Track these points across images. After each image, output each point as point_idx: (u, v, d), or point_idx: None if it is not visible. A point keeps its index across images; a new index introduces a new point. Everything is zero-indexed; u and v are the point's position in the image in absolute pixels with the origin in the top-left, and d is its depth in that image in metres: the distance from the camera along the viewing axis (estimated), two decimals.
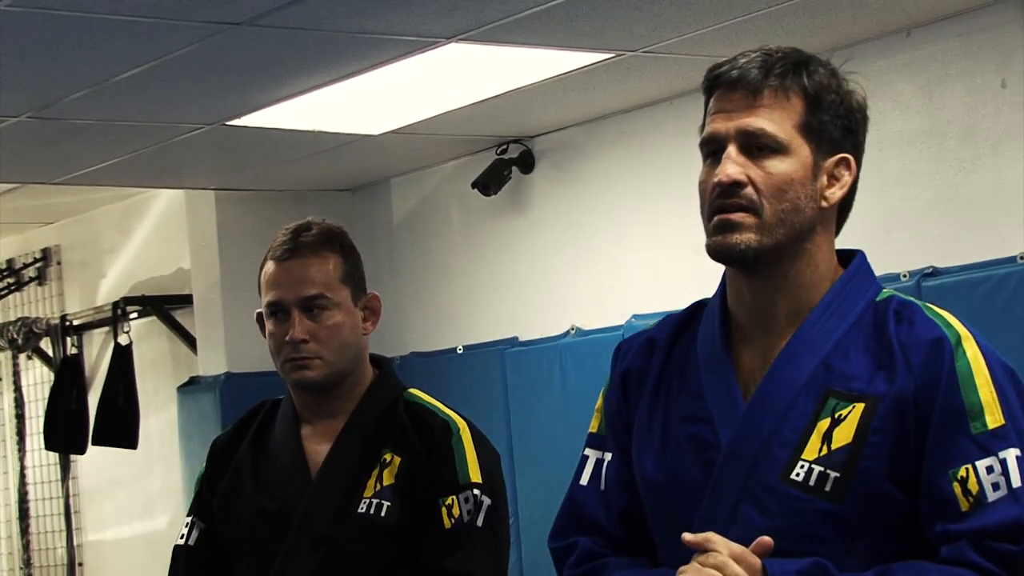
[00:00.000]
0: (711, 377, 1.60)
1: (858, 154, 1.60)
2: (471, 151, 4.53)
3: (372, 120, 4.06)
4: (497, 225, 4.54)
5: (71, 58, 3.23)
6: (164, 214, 5.32)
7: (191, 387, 4.98)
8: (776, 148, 1.54)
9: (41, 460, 5.82)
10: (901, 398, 1.52)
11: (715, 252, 1.56)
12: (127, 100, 3.62)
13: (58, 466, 5.73)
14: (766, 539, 1.48)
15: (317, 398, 2.19)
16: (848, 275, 1.60)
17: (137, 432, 5.02)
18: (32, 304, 5.88)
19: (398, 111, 3.98)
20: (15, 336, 5.62)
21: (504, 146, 4.41)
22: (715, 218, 1.55)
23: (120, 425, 5.01)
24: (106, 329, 5.38)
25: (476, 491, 2.11)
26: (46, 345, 5.68)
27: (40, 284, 5.85)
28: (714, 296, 1.66)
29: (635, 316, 3.94)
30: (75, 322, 5.53)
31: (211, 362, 4.94)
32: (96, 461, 5.44)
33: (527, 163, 4.41)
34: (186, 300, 5.10)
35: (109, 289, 5.54)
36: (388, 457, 2.14)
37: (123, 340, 5.08)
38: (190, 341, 5.11)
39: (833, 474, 1.51)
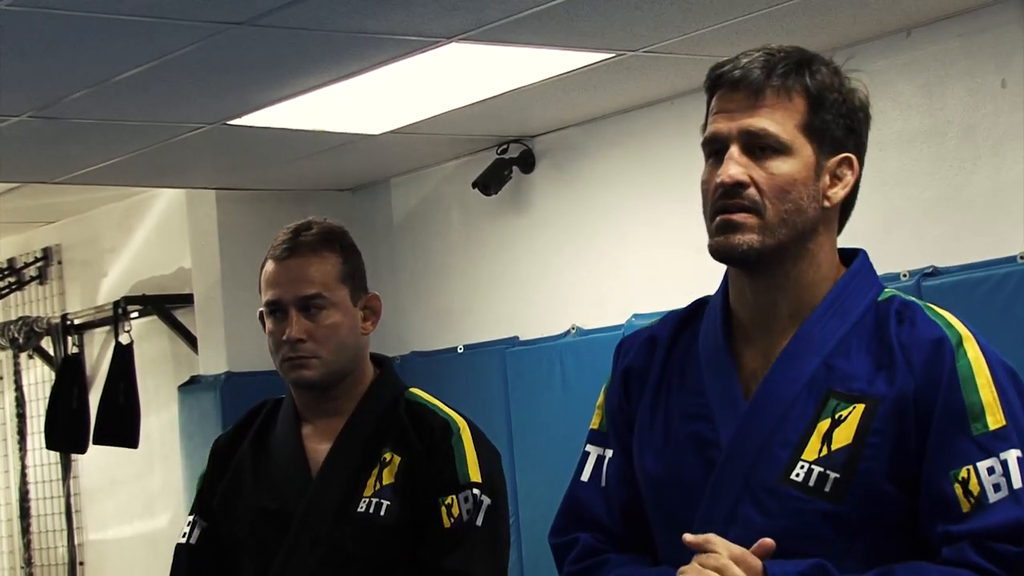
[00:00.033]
0: (712, 375, 1.60)
1: (860, 153, 1.59)
2: (471, 151, 4.53)
3: (373, 120, 4.07)
4: (497, 225, 4.54)
5: (72, 58, 3.24)
6: (165, 214, 5.33)
7: (192, 386, 4.98)
8: (778, 148, 1.54)
9: (42, 459, 5.82)
10: (901, 399, 1.52)
11: (717, 252, 1.56)
12: (128, 100, 3.62)
13: (59, 465, 5.73)
14: (768, 541, 1.48)
15: (317, 397, 2.20)
16: (850, 275, 1.60)
17: (138, 431, 5.03)
18: (33, 303, 5.88)
19: (399, 111, 3.98)
20: (16, 335, 5.62)
21: (504, 146, 4.41)
22: (717, 218, 1.55)
23: (121, 424, 5.01)
24: (107, 328, 5.39)
25: (476, 490, 2.11)
26: (47, 344, 5.68)
27: (41, 283, 5.85)
28: (716, 294, 1.66)
29: (635, 316, 3.94)
30: (76, 321, 5.54)
31: (212, 361, 4.95)
32: (97, 460, 5.44)
33: (527, 163, 4.42)
34: (187, 299, 5.10)
35: (110, 288, 5.54)
36: (388, 456, 2.14)
37: (124, 339, 5.08)
38: (191, 340, 5.11)
39: (833, 475, 1.51)
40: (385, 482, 2.13)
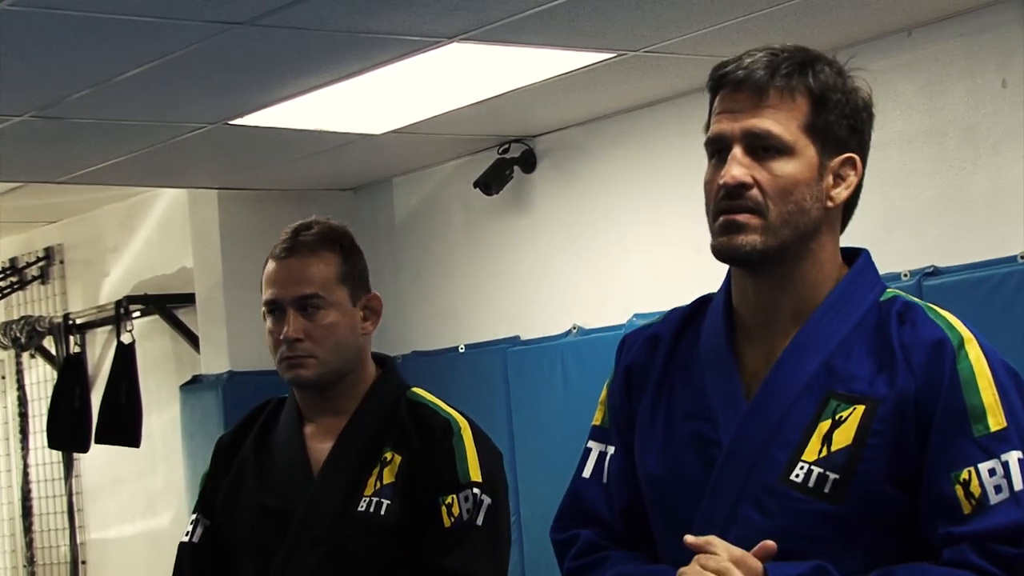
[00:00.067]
0: (714, 375, 1.61)
1: (864, 153, 1.60)
2: (473, 151, 4.53)
3: (374, 120, 4.07)
4: (499, 224, 4.55)
5: (74, 57, 3.24)
6: (167, 213, 5.34)
7: (194, 386, 4.99)
8: (781, 149, 1.54)
9: (44, 458, 5.83)
10: (901, 400, 1.53)
11: (720, 253, 1.56)
12: (130, 99, 3.62)
13: (61, 464, 5.74)
14: (770, 543, 1.49)
15: (318, 396, 2.20)
16: (852, 275, 1.60)
17: (140, 430, 5.03)
18: (35, 303, 5.89)
19: (400, 111, 3.98)
20: (18, 335, 5.63)
21: (506, 146, 4.42)
22: (720, 219, 1.55)
23: (123, 423, 5.02)
24: (109, 328, 5.39)
25: (476, 490, 2.11)
26: (49, 344, 5.68)
27: (43, 283, 5.86)
28: (719, 292, 1.66)
29: (636, 315, 3.95)
30: (78, 321, 5.54)
31: (214, 361, 4.95)
32: (99, 459, 5.45)
33: (529, 163, 4.42)
34: (189, 299, 5.11)
35: (112, 288, 5.55)
36: (389, 456, 2.15)
37: (126, 339, 5.08)
38: (193, 340, 5.12)
39: (832, 476, 1.51)
40: (385, 481, 2.13)
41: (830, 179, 1.57)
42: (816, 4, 3.23)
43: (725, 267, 1.63)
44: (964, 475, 1.50)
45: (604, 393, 1.72)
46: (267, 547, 2.16)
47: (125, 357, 5.07)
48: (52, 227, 5.85)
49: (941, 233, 3.47)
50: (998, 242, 3.34)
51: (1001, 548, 1.48)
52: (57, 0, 2.84)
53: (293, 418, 2.23)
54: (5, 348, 5.81)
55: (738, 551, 1.48)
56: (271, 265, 2.18)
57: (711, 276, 1.71)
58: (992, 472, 1.49)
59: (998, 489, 1.49)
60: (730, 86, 1.56)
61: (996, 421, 1.51)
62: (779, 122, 1.54)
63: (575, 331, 4.26)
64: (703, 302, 1.68)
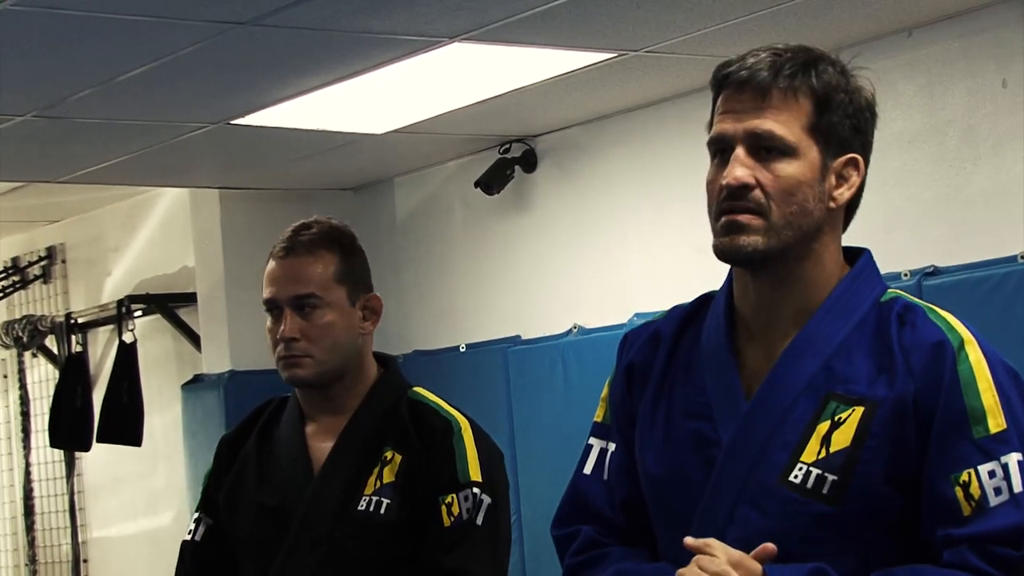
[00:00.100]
0: (714, 374, 1.61)
1: (866, 153, 1.60)
2: (474, 150, 4.54)
3: (375, 119, 4.08)
4: (500, 224, 4.55)
5: (76, 57, 3.25)
6: (168, 213, 5.34)
7: (195, 385, 4.99)
8: (784, 150, 1.54)
9: (46, 457, 5.84)
10: (900, 401, 1.53)
11: (722, 253, 1.56)
12: (132, 99, 3.63)
13: (63, 463, 5.74)
14: (770, 546, 1.49)
15: (319, 396, 2.21)
16: (853, 275, 1.60)
17: (141, 429, 5.04)
18: (37, 302, 5.89)
19: (401, 110, 3.99)
20: (20, 334, 5.64)
21: (507, 145, 4.42)
22: (722, 219, 1.55)
23: (124, 422, 5.02)
24: (111, 327, 5.40)
25: (476, 489, 2.11)
26: (51, 343, 5.69)
27: (45, 282, 5.87)
28: (720, 290, 1.66)
29: (637, 315, 3.95)
30: (80, 320, 5.55)
31: (215, 360, 4.96)
32: (101, 458, 5.45)
33: (530, 162, 4.43)
34: (190, 298, 5.12)
35: (114, 287, 5.55)
36: (389, 455, 2.15)
37: (128, 338, 5.09)
38: (194, 339, 5.13)
39: (831, 477, 1.52)
40: (385, 481, 2.13)
41: (833, 180, 1.57)
42: (816, 4, 3.23)
43: (726, 267, 1.63)
44: (964, 477, 1.50)
45: (606, 390, 1.72)
46: (267, 546, 2.17)
47: (127, 356, 5.07)
48: (54, 226, 5.86)
49: (941, 233, 3.48)
50: (998, 242, 3.34)
51: (1001, 550, 1.48)
52: (59, 0, 2.85)
53: (295, 417, 2.23)
54: (7, 347, 5.82)
55: (737, 553, 1.48)
56: (270, 264, 2.19)
57: (712, 276, 1.71)
58: (992, 474, 1.49)
59: (998, 491, 1.49)
60: (733, 86, 1.56)
61: (996, 423, 1.51)
62: (782, 123, 1.54)
63: (576, 331, 4.27)
64: (705, 299, 1.68)
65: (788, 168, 1.54)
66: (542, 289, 4.43)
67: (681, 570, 1.50)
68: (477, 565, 2.11)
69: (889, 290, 1.62)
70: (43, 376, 5.87)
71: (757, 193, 1.54)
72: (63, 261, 5.83)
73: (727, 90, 1.57)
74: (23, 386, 5.94)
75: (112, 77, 3.42)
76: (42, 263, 5.87)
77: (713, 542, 1.49)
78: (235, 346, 4.86)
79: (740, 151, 1.54)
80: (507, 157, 4.41)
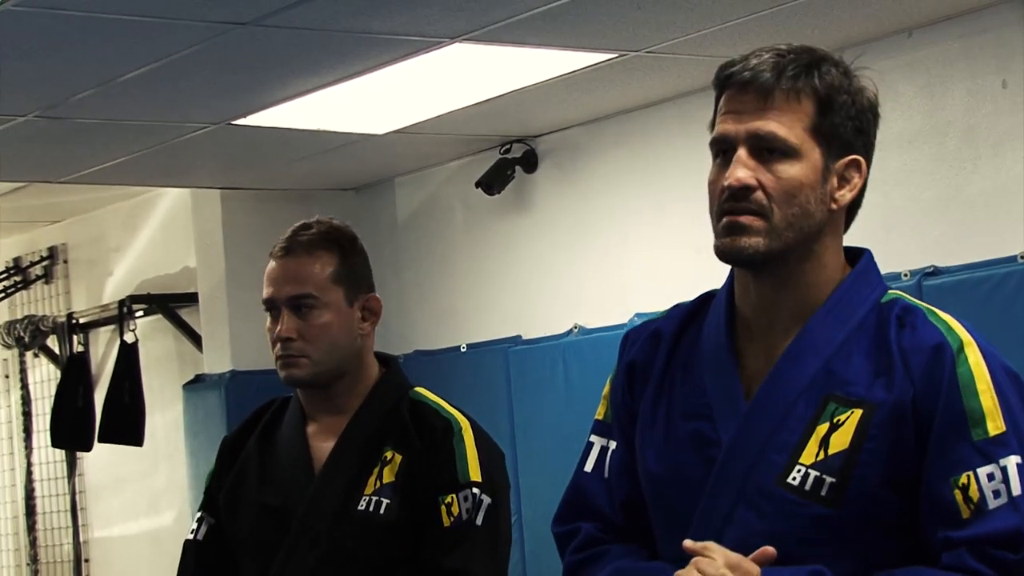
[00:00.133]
0: (714, 374, 1.61)
1: (868, 154, 1.59)
2: (475, 151, 4.54)
3: (376, 120, 4.08)
4: (500, 224, 4.56)
5: (77, 58, 3.25)
6: (170, 213, 5.35)
7: (197, 385, 5.00)
8: (786, 152, 1.54)
9: (48, 457, 5.84)
10: (899, 404, 1.53)
11: (724, 254, 1.56)
12: (133, 99, 3.64)
13: (64, 463, 5.75)
14: (769, 549, 1.50)
15: (320, 395, 2.21)
16: (854, 276, 1.60)
17: (143, 429, 5.04)
18: (39, 302, 5.90)
19: (402, 111, 3.99)
20: (22, 334, 5.64)
21: (507, 146, 4.43)
22: (724, 219, 1.55)
23: (126, 422, 5.03)
24: (112, 327, 5.41)
25: (476, 490, 2.12)
26: (52, 343, 5.70)
27: (47, 282, 5.87)
28: (722, 290, 1.66)
29: (637, 315, 3.96)
30: (81, 320, 5.55)
31: (216, 360, 4.97)
32: (102, 458, 5.46)
33: (530, 163, 4.43)
34: (192, 298, 5.12)
35: (115, 287, 5.56)
36: (389, 455, 2.15)
37: (129, 338, 5.10)
38: (196, 339, 5.13)
39: (829, 479, 1.52)
40: (385, 480, 2.14)
41: (834, 181, 1.57)
42: (817, 5, 3.24)
43: (726, 267, 1.63)
44: (963, 480, 1.50)
45: (607, 388, 1.72)
46: (267, 546, 2.17)
47: (128, 356, 5.08)
48: (56, 227, 5.87)
49: (941, 233, 3.48)
50: (998, 242, 3.34)
51: (999, 553, 1.48)
52: (61, 0, 2.85)
53: (296, 417, 2.24)
54: (9, 347, 5.82)
55: (735, 556, 1.49)
56: (270, 264, 2.20)
57: (712, 276, 1.71)
58: (991, 477, 1.49)
59: (997, 494, 1.49)
60: (736, 86, 1.56)
61: (995, 425, 1.51)
62: (784, 124, 1.54)
63: (576, 331, 4.27)
64: (706, 299, 1.68)
65: (790, 170, 1.54)
66: (543, 289, 4.44)
67: (679, 572, 1.50)
68: (477, 565, 2.11)
69: (889, 291, 1.61)
70: (45, 376, 5.87)
71: (759, 194, 1.54)
72: (65, 261, 5.84)
73: (730, 90, 1.57)
74: (25, 386, 5.95)
75: (113, 77, 3.43)
76: (44, 263, 5.88)
77: (711, 545, 1.50)
78: (236, 346, 4.87)
79: (742, 152, 1.54)
80: (508, 157, 4.41)
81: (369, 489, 2.14)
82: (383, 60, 3.44)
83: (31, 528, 5.92)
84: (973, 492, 1.49)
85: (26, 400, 5.94)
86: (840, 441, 1.53)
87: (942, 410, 1.52)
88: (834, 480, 1.52)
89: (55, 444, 5.38)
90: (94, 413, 5.16)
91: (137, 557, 5.53)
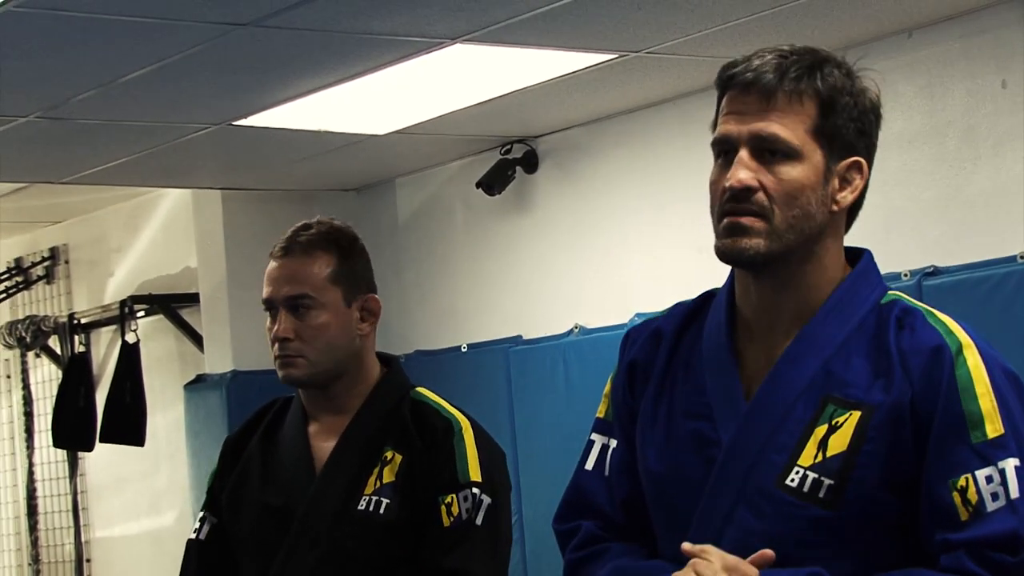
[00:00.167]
0: (714, 374, 1.61)
1: (870, 155, 1.59)
2: (475, 151, 4.55)
3: (377, 120, 4.09)
4: (501, 224, 4.57)
5: (78, 58, 3.26)
6: (171, 213, 5.36)
7: (198, 385, 5.01)
8: (788, 154, 1.54)
9: (49, 457, 5.85)
10: (897, 406, 1.53)
11: (724, 255, 1.57)
12: (134, 100, 3.64)
13: (66, 463, 5.76)
14: (768, 552, 1.50)
15: (321, 395, 2.22)
16: (853, 277, 1.60)
17: (144, 430, 5.05)
18: (40, 303, 5.91)
19: (403, 111, 4.00)
20: (23, 334, 5.65)
21: (508, 146, 4.43)
22: (725, 220, 1.55)
23: (127, 423, 5.04)
24: (114, 327, 5.41)
25: (476, 490, 2.12)
26: (54, 343, 5.71)
27: (48, 283, 5.88)
28: (722, 289, 1.66)
29: (638, 315, 3.96)
30: (83, 320, 5.56)
31: (218, 360, 4.97)
32: (104, 458, 5.47)
33: (531, 163, 4.44)
34: (193, 299, 5.13)
35: (116, 288, 5.57)
36: (389, 455, 2.16)
37: (130, 338, 5.10)
38: (197, 339, 5.14)
39: (827, 481, 1.52)
40: (385, 480, 2.14)
41: (836, 183, 1.57)
42: (817, 5, 3.24)
43: (727, 267, 1.63)
44: (961, 482, 1.50)
45: (608, 386, 1.72)
46: (268, 545, 2.18)
47: (129, 356, 5.09)
48: (57, 227, 5.87)
49: (941, 233, 3.48)
50: (998, 242, 3.35)
51: (997, 556, 1.48)
52: (62, 1, 2.86)
53: (298, 417, 2.24)
54: (10, 348, 5.83)
55: (732, 559, 1.49)
56: (269, 264, 2.21)
57: (713, 276, 1.71)
58: (989, 479, 1.50)
59: (995, 496, 1.49)
60: (739, 87, 1.56)
61: (994, 428, 1.51)
62: (787, 126, 1.54)
63: (577, 331, 4.28)
64: (707, 297, 1.69)
65: (792, 171, 1.54)
66: (543, 289, 4.44)
67: (676, 574, 1.50)
68: (476, 565, 2.11)
69: (889, 292, 1.62)
70: (46, 376, 5.88)
71: (760, 196, 1.54)
72: (66, 262, 5.85)
73: (732, 91, 1.57)
74: (26, 386, 5.96)
75: (115, 78, 3.43)
76: (45, 264, 5.88)
77: (709, 548, 1.50)
78: (237, 346, 4.88)
79: (744, 153, 1.54)
80: (508, 158, 4.42)
81: (369, 489, 2.15)
82: (384, 61, 3.45)
83: (33, 528, 5.93)
84: (971, 494, 1.50)
85: (28, 400, 5.95)
86: (838, 443, 1.53)
87: (941, 412, 1.52)
88: (832, 482, 1.52)
89: (56, 444, 5.39)
90: (95, 413, 5.17)
91: (138, 557, 5.54)
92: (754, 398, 1.58)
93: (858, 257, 1.63)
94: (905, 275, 3.44)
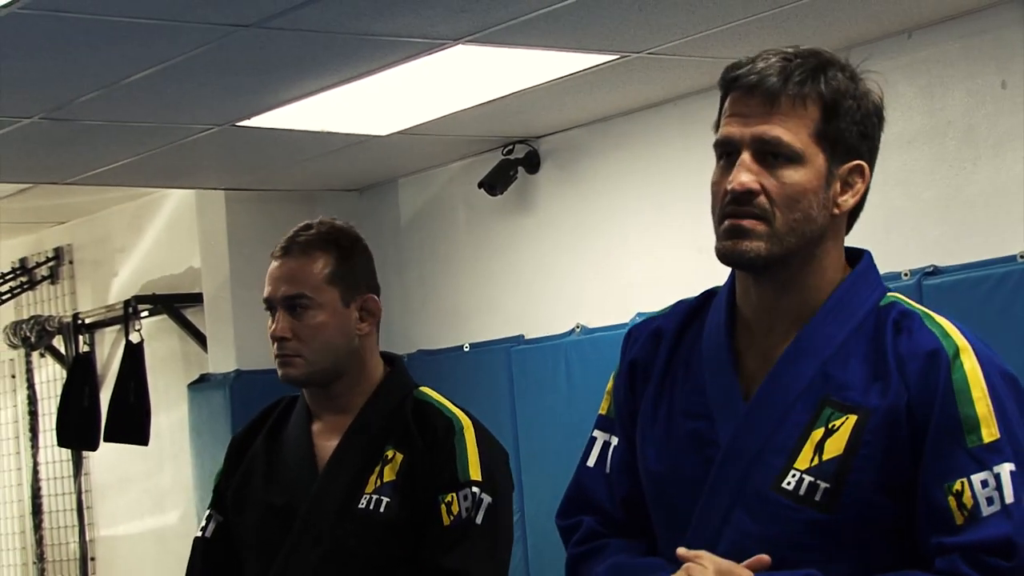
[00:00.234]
0: (714, 374, 1.62)
1: (872, 158, 1.59)
2: (477, 151, 4.56)
3: (380, 121, 4.10)
4: (503, 225, 4.58)
5: (82, 60, 3.27)
6: (175, 214, 5.37)
7: (201, 384, 5.02)
8: (791, 157, 1.54)
9: (54, 456, 5.86)
10: (893, 410, 1.53)
11: (725, 257, 1.57)
12: (138, 101, 3.65)
13: (71, 462, 5.77)
14: (764, 557, 1.51)
15: (322, 394, 2.23)
16: (853, 278, 1.60)
17: (148, 429, 5.06)
18: (45, 303, 5.92)
19: (406, 112, 4.01)
20: (28, 334, 5.66)
21: (510, 146, 4.44)
22: (726, 222, 1.55)
23: (131, 422, 5.05)
24: (118, 327, 5.42)
25: (476, 489, 2.12)
26: (59, 343, 5.72)
27: (53, 283, 5.89)
28: (723, 288, 1.67)
29: (639, 314, 3.97)
30: (87, 320, 5.57)
31: (221, 360, 4.98)
32: (108, 457, 5.48)
33: (533, 163, 4.45)
34: (196, 299, 5.14)
35: (121, 288, 5.58)
36: (391, 454, 2.17)
37: (134, 338, 5.11)
38: (200, 339, 5.15)
39: (823, 485, 1.53)
40: (386, 479, 2.15)
41: (838, 186, 1.57)
42: (817, 6, 3.25)
43: (727, 267, 1.64)
44: (957, 486, 1.50)
45: (611, 383, 1.73)
46: (271, 543, 2.19)
47: (134, 356, 5.10)
48: (61, 228, 5.89)
49: (941, 233, 3.49)
50: (998, 242, 3.35)
51: (992, 560, 1.49)
52: (66, 3, 2.87)
53: (302, 416, 2.25)
54: (15, 347, 5.84)
55: (726, 564, 1.50)
56: (270, 264, 2.22)
57: (713, 276, 1.72)
58: (985, 483, 1.50)
59: (990, 501, 1.50)
60: (742, 89, 1.55)
61: (989, 432, 1.51)
62: (789, 130, 1.53)
63: (578, 330, 4.29)
64: (709, 295, 1.69)
65: (794, 175, 1.54)
66: (545, 289, 4.45)
67: None
68: (475, 564, 2.11)
69: (888, 294, 1.61)
70: (51, 376, 5.89)
71: (762, 199, 1.54)
72: (70, 262, 5.86)
73: (735, 92, 1.57)
74: (31, 386, 5.97)
75: (118, 80, 3.44)
76: (49, 264, 5.89)
77: (703, 554, 1.50)
78: (241, 346, 4.89)
79: (746, 156, 1.54)
80: (510, 158, 4.43)
81: (370, 488, 2.15)
82: (386, 62, 3.46)
83: (37, 527, 5.94)
84: (967, 499, 1.50)
85: (32, 400, 5.96)
86: (835, 447, 1.53)
87: (937, 416, 1.52)
88: (828, 485, 1.52)
89: (61, 443, 5.40)
90: (100, 413, 5.18)
91: (142, 555, 5.55)
92: (752, 399, 1.58)
93: (858, 258, 1.63)
94: (905, 275, 3.45)
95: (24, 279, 5.86)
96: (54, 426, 5.34)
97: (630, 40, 3.43)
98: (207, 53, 3.25)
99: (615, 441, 1.70)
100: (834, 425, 1.54)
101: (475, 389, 4.27)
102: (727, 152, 1.57)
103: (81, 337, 5.54)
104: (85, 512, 5.75)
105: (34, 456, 5.96)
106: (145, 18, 2.99)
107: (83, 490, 5.76)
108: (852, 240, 1.65)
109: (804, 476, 1.53)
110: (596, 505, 1.69)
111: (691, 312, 1.69)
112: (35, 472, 5.95)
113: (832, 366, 1.56)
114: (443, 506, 2.12)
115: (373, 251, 2.28)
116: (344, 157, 4.49)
